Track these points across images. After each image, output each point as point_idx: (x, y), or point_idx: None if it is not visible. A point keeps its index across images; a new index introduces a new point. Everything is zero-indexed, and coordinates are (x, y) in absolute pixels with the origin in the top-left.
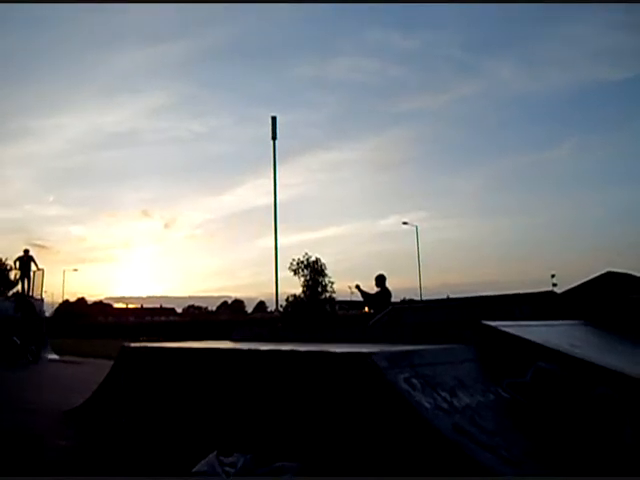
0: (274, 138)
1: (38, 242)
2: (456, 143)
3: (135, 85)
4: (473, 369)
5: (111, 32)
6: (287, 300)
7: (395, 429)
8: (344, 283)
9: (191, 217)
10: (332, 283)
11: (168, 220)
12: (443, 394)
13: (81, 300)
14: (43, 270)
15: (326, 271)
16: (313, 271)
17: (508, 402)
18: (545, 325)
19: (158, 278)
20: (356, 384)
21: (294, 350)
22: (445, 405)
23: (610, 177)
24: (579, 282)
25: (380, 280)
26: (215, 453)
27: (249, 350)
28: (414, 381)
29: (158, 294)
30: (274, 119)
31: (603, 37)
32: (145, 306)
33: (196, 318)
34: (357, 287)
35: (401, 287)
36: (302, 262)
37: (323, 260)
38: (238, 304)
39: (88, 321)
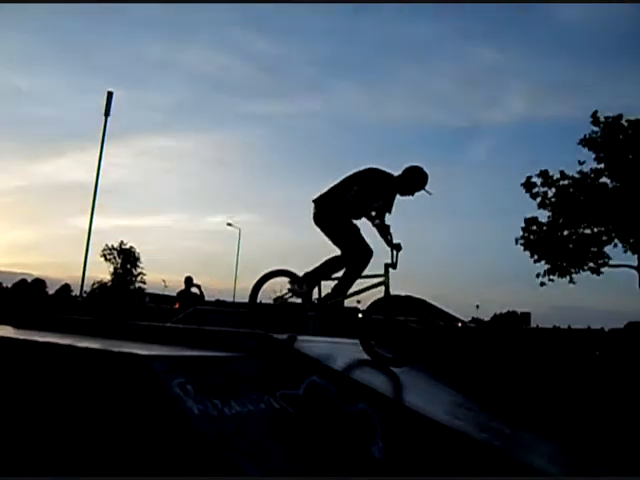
0: (107, 114)
1: None
2: (294, 154)
3: None
4: (250, 379)
5: None
6: (93, 285)
7: (166, 435)
8: (159, 276)
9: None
10: (143, 274)
11: None
12: (215, 401)
13: None
14: None
15: (140, 261)
16: (125, 259)
17: (278, 413)
18: (329, 342)
19: None
20: (133, 386)
21: (72, 345)
22: (215, 412)
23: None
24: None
25: (187, 282)
26: None
27: (24, 340)
28: (188, 387)
29: None
30: (110, 94)
31: (436, 83)
32: None
33: None
34: None
35: (219, 287)
36: (115, 249)
37: (139, 250)
38: (39, 284)
39: None
